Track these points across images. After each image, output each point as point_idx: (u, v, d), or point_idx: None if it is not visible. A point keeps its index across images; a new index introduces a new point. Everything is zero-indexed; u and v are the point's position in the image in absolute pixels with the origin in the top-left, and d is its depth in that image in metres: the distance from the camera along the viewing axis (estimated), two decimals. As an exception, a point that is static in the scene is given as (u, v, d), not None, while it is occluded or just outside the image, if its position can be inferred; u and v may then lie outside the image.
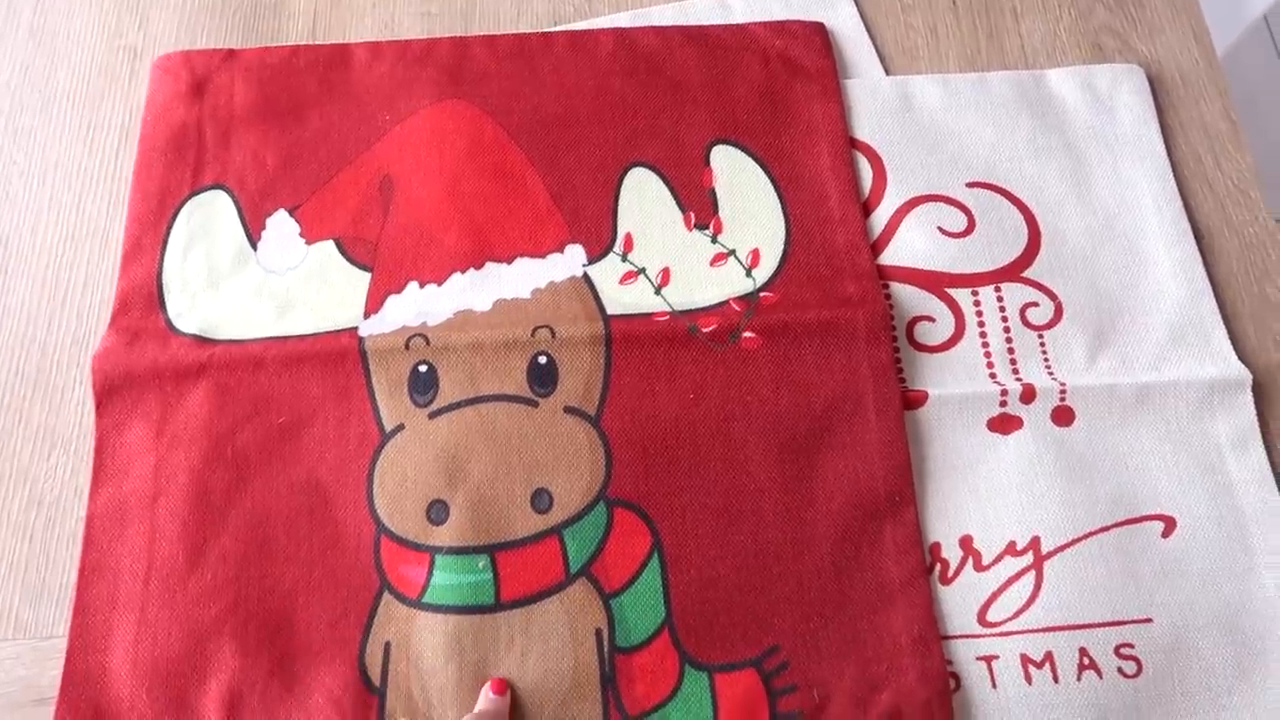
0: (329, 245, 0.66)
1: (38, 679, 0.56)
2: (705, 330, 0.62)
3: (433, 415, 0.60)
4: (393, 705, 0.54)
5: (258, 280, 0.65)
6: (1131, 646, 0.56)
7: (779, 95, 0.72)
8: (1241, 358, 0.63)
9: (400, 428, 0.60)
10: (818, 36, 0.74)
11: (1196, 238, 0.68)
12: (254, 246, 0.66)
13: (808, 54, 0.73)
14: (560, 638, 0.55)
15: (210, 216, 0.67)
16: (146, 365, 0.61)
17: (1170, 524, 0.59)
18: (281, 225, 0.67)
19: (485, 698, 0.53)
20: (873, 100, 0.72)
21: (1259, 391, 0.63)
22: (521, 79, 0.72)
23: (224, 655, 0.55)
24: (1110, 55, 0.76)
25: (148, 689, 0.54)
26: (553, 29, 0.75)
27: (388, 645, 0.55)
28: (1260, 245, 0.69)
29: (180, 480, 0.59)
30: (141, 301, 0.64)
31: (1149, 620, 0.57)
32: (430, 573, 0.56)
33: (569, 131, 0.70)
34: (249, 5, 0.77)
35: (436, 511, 0.58)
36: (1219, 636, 0.56)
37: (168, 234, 0.66)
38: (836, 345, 0.62)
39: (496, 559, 0.56)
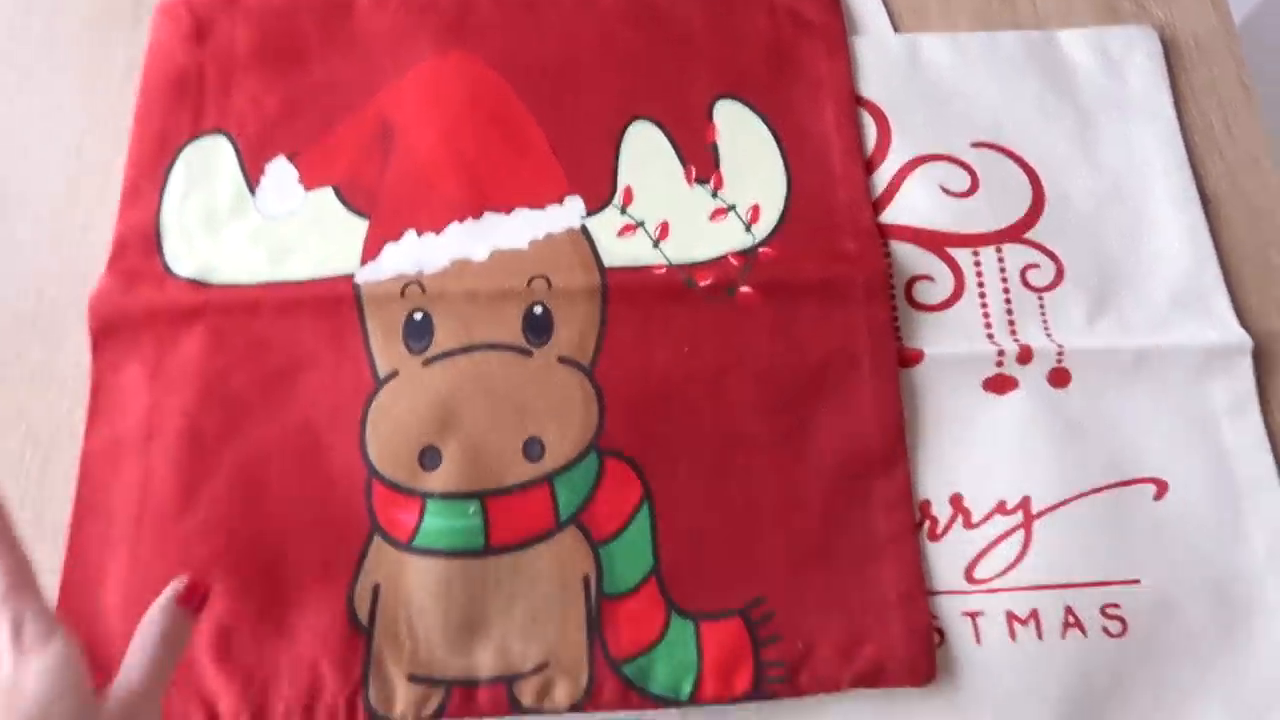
0: (328, 192, 0.66)
1: (33, 613, 0.57)
2: (702, 283, 0.62)
3: (427, 362, 0.60)
4: (379, 645, 0.54)
5: (256, 225, 0.65)
6: (1118, 607, 0.56)
7: (785, 50, 0.71)
8: (1243, 325, 0.63)
9: (394, 374, 0.60)
10: (826, -10, 0.73)
11: (1204, 204, 0.67)
12: (253, 192, 0.66)
13: (815, 9, 0.72)
14: (548, 583, 0.55)
15: (209, 161, 0.67)
16: (143, 307, 0.61)
17: (1163, 487, 0.59)
18: (281, 171, 0.67)
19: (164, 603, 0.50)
20: (880, 58, 0.72)
21: (1258, 359, 0.62)
22: (525, 30, 0.71)
23: (215, 595, 0.55)
24: (1125, 17, 0.74)
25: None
26: (557, -22, 0.74)
27: (377, 587, 0.56)
28: (1268, 213, 0.68)
29: (174, 422, 0.59)
30: (140, 244, 0.64)
31: (1136, 581, 0.57)
32: (421, 517, 0.57)
33: (571, 83, 0.69)
34: (252, -50, 0.76)
35: (429, 457, 0.58)
36: (1206, 600, 0.56)
37: (167, 178, 0.66)
38: (834, 302, 0.62)
39: (487, 505, 0.57)
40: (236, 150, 0.67)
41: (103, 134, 0.70)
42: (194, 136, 0.68)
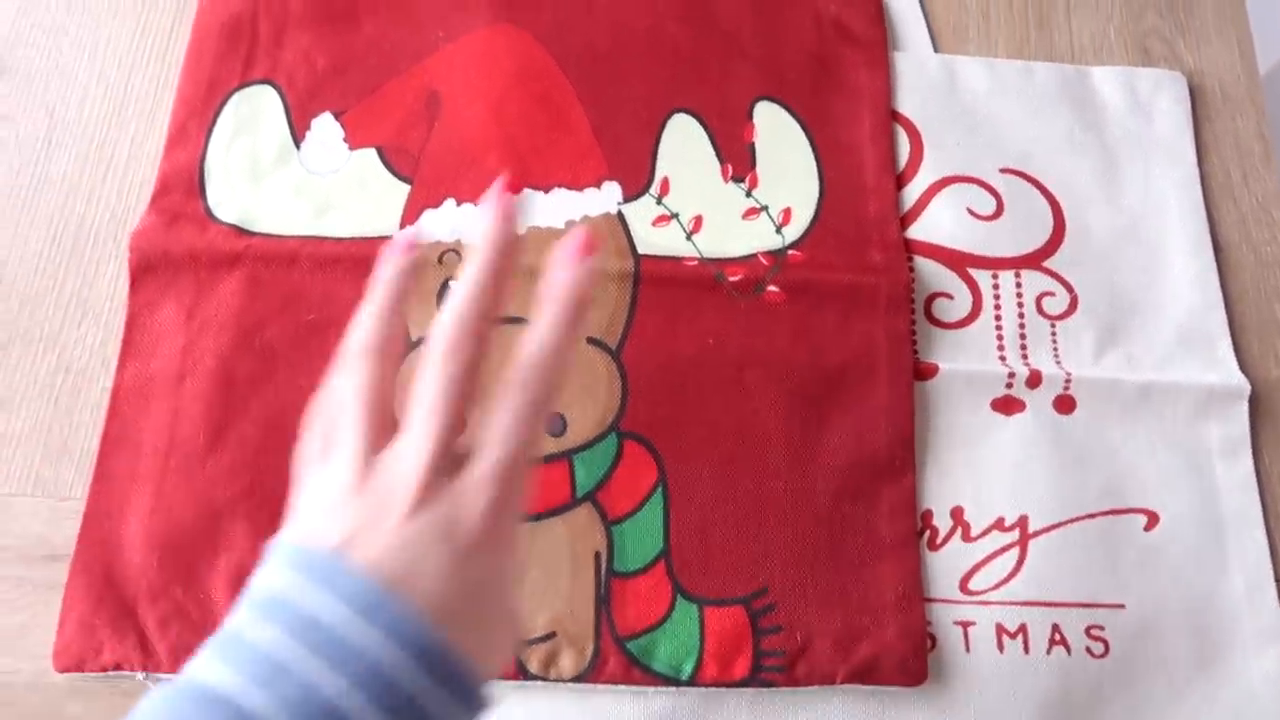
0: (371, 153, 0.67)
1: (51, 536, 0.58)
2: (732, 279, 0.64)
3: (458, 331, 0.61)
4: None
5: (299, 179, 0.66)
6: (1102, 629, 0.58)
7: (828, 59, 0.73)
8: (1243, 370, 0.65)
9: (424, 340, 0.61)
10: (872, 5, 0.74)
11: (1216, 250, 0.70)
12: (297, 145, 0.67)
13: (860, 21, 0.74)
14: (561, 556, 0.57)
15: (257, 110, 0.68)
16: (184, 248, 0.62)
17: (1153, 518, 0.61)
18: (326, 127, 0.68)
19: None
20: (919, 75, 0.73)
21: (1254, 405, 0.64)
22: (577, 11, 0.72)
23: (235, 535, 0.57)
24: (1156, 60, 0.76)
25: (159, 559, 0.56)
26: (613, -35, 0.75)
27: (395, 543, 0.57)
28: (1275, 264, 0.70)
29: (207, 364, 0.60)
30: (183, 185, 0.65)
31: (1121, 606, 0.59)
32: (442, 480, 0.58)
33: (617, 69, 0.70)
34: (313, -96, 0.77)
35: (453, 423, 0.59)
36: (1185, 629, 0.59)
37: (214, 122, 0.67)
38: (857, 309, 0.64)
39: (508, 474, 0.58)
40: (285, 102, 0.68)
41: (151, 72, 0.70)
42: (243, 84, 0.68)
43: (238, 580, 0.56)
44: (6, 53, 0.70)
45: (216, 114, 0.67)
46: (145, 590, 0.55)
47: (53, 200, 0.66)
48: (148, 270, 0.62)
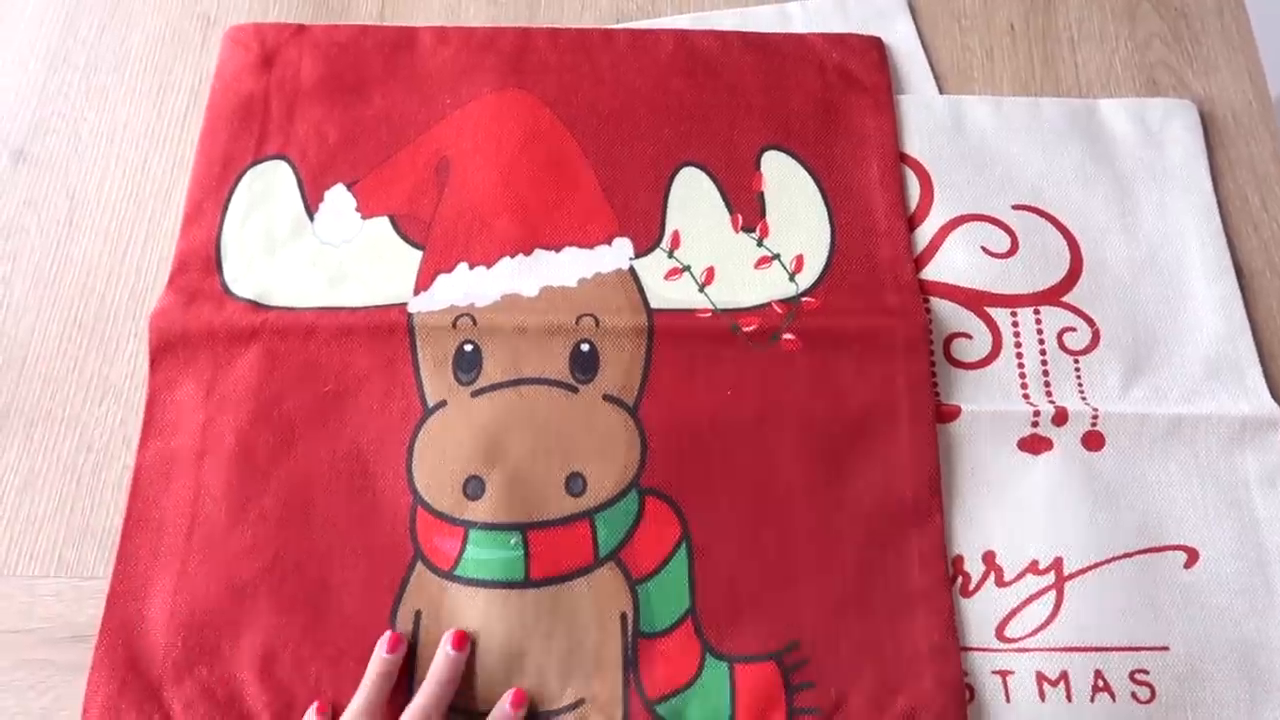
0: (384, 221, 0.68)
1: (75, 616, 0.58)
2: (746, 329, 0.64)
3: (475, 394, 0.61)
4: (420, 671, 0.55)
5: (313, 250, 0.67)
6: (1146, 673, 0.57)
7: (833, 106, 0.73)
8: (1275, 398, 0.64)
9: (442, 404, 0.61)
10: (875, 51, 0.75)
11: (1239, 276, 0.68)
12: (311, 218, 0.68)
13: (864, 67, 0.74)
14: (586, 618, 0.56)
15: (271, 185, 0.69)
16: (201, 326, 0.63)
17: (1193, 555, 0.60)
18: (339, 199, 0.68)
19: (443, 653, 0.54)
20: (925, 117, 0.73)
21: (1290, 432, 0.63)
22: (581, 73, 0.73)
23: (259, 612, 0.57)
24: (1164, 90, 0.76)
25: (184, 638, 0.56)
26: (615, 26, 0.76)
27: (418, 613, 0.57)
28: (1301, 288, 0.69)
29: (227, 440, 0.60)
30: (200, 263, 0.66)
31: (1165, 648, 0.57)
32: (464, 546, 0.58)
33: (624, 127, 0.71)
34: (320, -17, 0.79)
35: (473, 487, 0.59)
36: (1234, 671, 0.57)
37: (229, 200, 0.68)
38: (874, 353, 0.63)
39: (529, 537, 0.58)
40: (297, 176, 0.69)
41: (167, 153, 0.72)
42: (256, 160, 0.70)
43: (262, 657, 0.55)
44: (29, 142, 0.72)
45: (231, 191, 0.68)
46: (170, 671, 0.55)
47: (74, 281, 0.67)
48: (167, 349, 0.63)
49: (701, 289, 0.66)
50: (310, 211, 0.68)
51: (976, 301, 0.67)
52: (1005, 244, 0.69)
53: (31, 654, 0.57)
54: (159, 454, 0.60)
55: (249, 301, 0.64)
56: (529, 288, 0.65)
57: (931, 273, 0.68)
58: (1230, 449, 0.62)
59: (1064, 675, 0.56)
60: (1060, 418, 0.62)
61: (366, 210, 0.68)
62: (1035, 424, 0.62)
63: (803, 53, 0.74)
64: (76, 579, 0.59)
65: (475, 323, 0.63)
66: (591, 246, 0.67)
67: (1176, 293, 0.68)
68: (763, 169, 0.70)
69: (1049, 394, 0.64)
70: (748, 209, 0.69)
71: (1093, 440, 0.62)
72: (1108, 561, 0.59)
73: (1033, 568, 0.59)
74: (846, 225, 0.68)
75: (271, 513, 0.59)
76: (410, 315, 0.63)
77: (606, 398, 0.61)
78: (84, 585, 0.59)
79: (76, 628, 0.58)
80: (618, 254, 0.67)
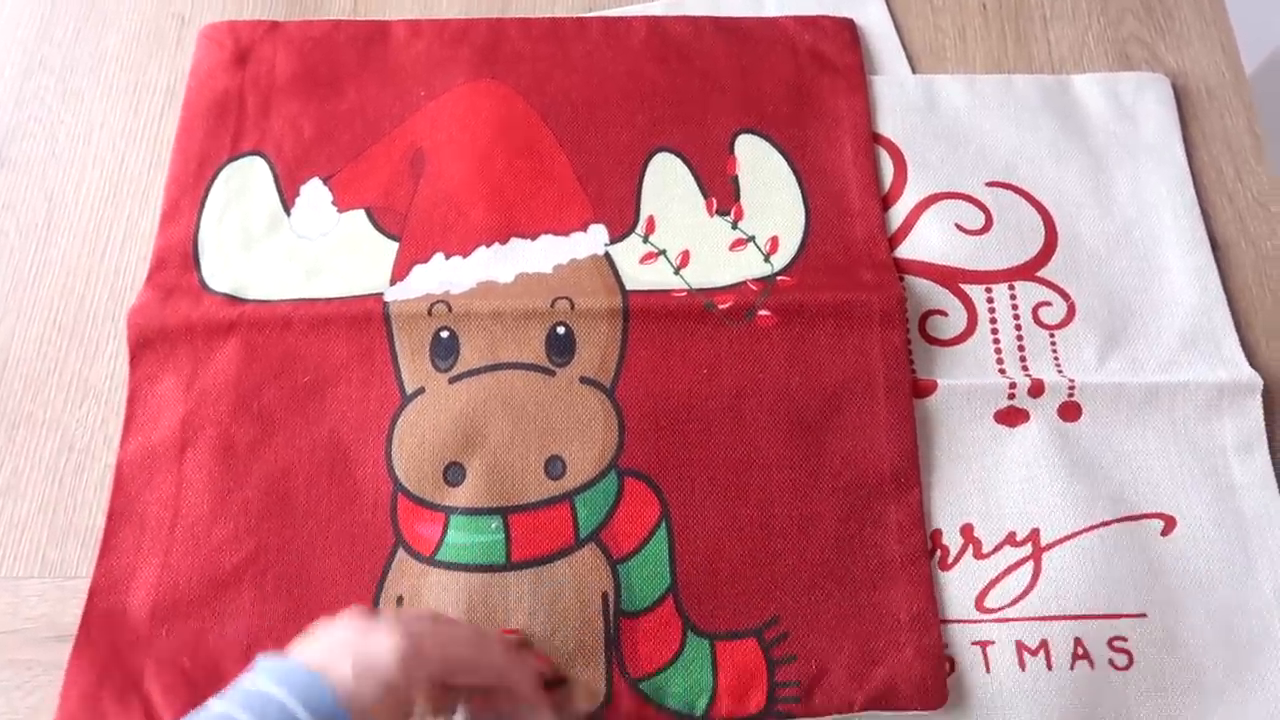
0: (360, 214, 0.68)
1: (60, 616, 0.59)
2: (722, 307, 0.64)
3: (453, 380, 0.62)
4: None
5: (290, 244, 0.67)
6: (1125, 640, 0.57)
7: (806, 88, 0.73)
8: (1253, 366, 0.64)
9: (420, 391, 0.62)
10: (846, 32, 0.75)
11: (1213, 248, 0.69)
12: (288, 212, 0.68)
13: (836, 49, 0.74)
14: (567, 599, 0.57)
15: (247, 181, 0.69)
16: (179, 321, 0.63)
17: (1170, 523, 0.60)
18: (315, 192, 0.69)
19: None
20: (898, 97, 0.74)
21: (1267, 402, 0.63)
22: (554, 62, 0.73)
23: (242, 602, 0.57)
24: (1137, 65, 0.76)
25: (167, 629, 0.56)
26: (587, 14, 0.76)
27: (400, 599, 0.57)
28: (1276, 259, 0.69)
29: (207, 432, 0.61)
30: (178, 260, 0.66)
31: (1144, 615, 0.58)
32: (444, 531, 0.58)
33: (598, 114, 0.71)
34: (293, -21, 0.79)
35: (453, 473, 0.59)
36: (1212, 637, 0.57)
37: (205, 197, 0.69)
38: (850, 327, 0.63)
39: (509, 521, 0.58)
40: (273, 171, 0.69)
41: (144, 153, 0.72)
42: (233, 157, 0.70)
43: (245, 647, 0.56)
44: (5, 146, 0.72)
45: (208, 188, 0.69)
46: (152, 661, 0.55)
47: (53, 283, 0.68)
48: (146, 345, 0.63)
49: (677, 271, 0.66)
50: (286, 206, 0.68)
51: (951, 279, 0.67)
52: (980, 221, 0.69)
53: (17, 654, 0.58)
54: (141, 448, 0.61)
55: (226, 295, 0.65)
56: (504, 274, 0.65)
57: (906, 251, 0.68)
58: (1208, 416, 0.63)
59: (1044, 644, 0.57)
60: (1037, 389, 0.63)
61: (343, 203, 0.68)
62: (1012, 396, 0.63)
63: (775, 36, 0.75)
64: (60, 579, 0.60)
65: (451, 309, 0.63)
66: (567, 233, 0.67)
67: (1151, 265, 0.68)
68: (736, 152, 0.71)
69: (1025, 367, 0.64)
70: (722, 192, 0.69)
71: (1069, 411, 0.63)
72: (1085, 530, 0.59)
73: (1010, 539, 0.59)
74: (821, 206, 0.69)
75: (253, 503, 0.59)
76: (386, 304, 0.63)
77: (584, 380, 0.62)
78: (68, 585, 0.59)
79: (61, 627, 0.58)
80: (593, 240, 0.67)
